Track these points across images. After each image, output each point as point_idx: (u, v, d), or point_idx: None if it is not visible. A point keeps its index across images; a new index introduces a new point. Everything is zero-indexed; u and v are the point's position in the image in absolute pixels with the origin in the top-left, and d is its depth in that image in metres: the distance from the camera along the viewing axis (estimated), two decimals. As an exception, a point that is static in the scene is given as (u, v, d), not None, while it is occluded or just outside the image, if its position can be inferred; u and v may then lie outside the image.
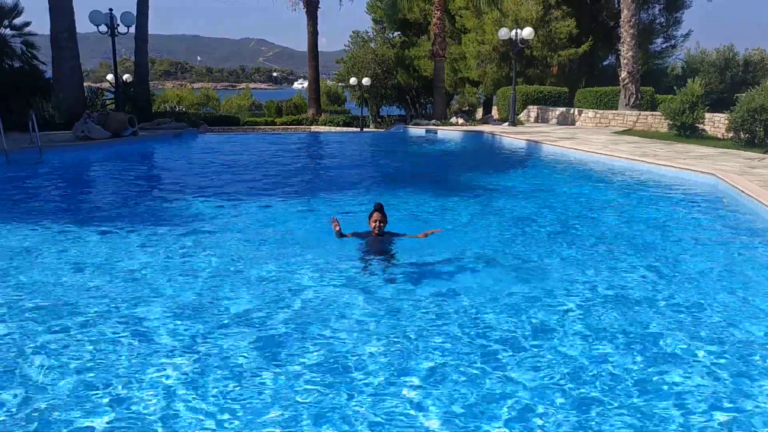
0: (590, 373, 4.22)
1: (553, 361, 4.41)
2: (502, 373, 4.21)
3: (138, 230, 8.19)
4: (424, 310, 5.37)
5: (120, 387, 3.98)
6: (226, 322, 5.08)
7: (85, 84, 23.21)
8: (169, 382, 4.05)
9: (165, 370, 4.20)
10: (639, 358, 4.46)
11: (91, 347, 4.58)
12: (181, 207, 9.88)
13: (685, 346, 4.65)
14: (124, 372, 4.17)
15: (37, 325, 4.99)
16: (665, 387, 4.05)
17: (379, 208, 6.97)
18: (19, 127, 16.94)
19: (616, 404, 3.84)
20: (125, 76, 28.42)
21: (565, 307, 5.48)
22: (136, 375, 4.13)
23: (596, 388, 4.02)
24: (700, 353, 4.54)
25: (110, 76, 25.37)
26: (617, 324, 5.08)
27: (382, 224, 6.93)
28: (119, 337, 4.76)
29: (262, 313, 5.29)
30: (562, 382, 4.10)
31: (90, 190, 12.16)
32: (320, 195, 11.13)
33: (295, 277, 6.27)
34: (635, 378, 4.16)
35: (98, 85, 40.56)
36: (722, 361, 4.44)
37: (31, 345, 4.61)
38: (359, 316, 5.24)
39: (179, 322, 5.02)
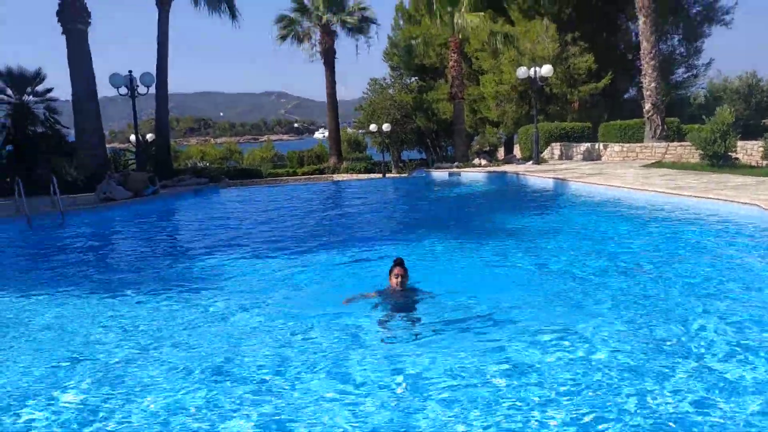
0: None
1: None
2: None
3: (157, 292, 7.83)
4: (456, 373, 4.84)
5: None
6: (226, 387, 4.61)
7: (110, 145, 23.49)
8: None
9: None
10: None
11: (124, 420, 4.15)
12: (194, 267, 9.53)
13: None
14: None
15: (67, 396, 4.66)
16: None
17: (400, 262, 6.61)
18: (44, 191, 17.00)
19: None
20: (148, 135, 28.76)
21: (622, 366, 4.88)
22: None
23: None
24: None
25: (133, 137, 25.65)
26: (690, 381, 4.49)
27: (404, 279, 6.54)
28: (149, 409, 4.32)
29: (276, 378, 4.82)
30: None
31: (107, 253, 11.91)
32: (344, 247, 10.69)
33: (315, 336, 5.80)
34: None
35: (125, 145, 41.29)
36: None
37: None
38: (380, 379, 4.75)
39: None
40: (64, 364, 5.48)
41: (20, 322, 6.84)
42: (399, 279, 6.48)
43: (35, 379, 5.15)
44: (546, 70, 23.76)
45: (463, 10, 27.40)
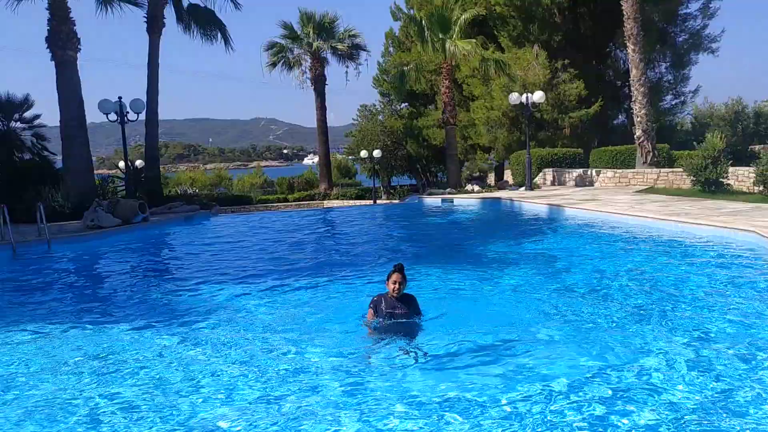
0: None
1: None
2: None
3: (146, 324, 7.54)
4: (452, 404, 4.62)
5: None
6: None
7: (98, 171, 23.19)
8: None
9: None
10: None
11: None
12: (186, 297, 9.25)
13: None
14: None
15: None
16: None
17: (399, 268, 6.51)
18: (31, 219, 16.65)
19: None
20: (137, 162, 28.46)
21: (620, 407, 4.67)
22: None
23: None
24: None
25: (122, 164, 25.39)
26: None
27: (402, 285, 6.46)
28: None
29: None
30: None
31: (96, 283, 11.58)
32: (338, 276, 10.45)
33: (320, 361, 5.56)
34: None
35: (113, 171, 41.05)
36: None
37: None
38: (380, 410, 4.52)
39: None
40: (51, 396, 5.20)
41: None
42: (397, 285, 6.43)
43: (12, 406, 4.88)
44: (538, 96, 23.89)
45: (454, 37, 27.59)
